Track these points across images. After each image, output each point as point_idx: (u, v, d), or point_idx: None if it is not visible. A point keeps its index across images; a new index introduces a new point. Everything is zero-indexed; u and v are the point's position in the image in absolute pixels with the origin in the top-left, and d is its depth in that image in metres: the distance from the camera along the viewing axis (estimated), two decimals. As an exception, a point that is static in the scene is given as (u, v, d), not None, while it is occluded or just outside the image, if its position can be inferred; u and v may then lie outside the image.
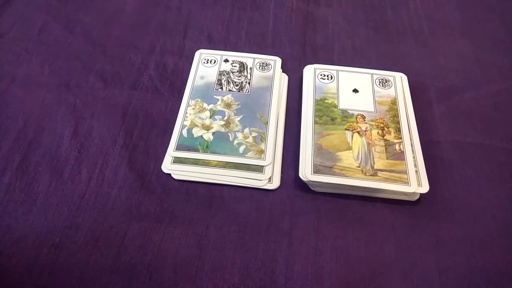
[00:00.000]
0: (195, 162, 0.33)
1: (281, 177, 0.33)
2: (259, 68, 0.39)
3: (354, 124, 0.35)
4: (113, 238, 0.29)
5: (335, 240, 0.30)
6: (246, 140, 0.34)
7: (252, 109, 0.36)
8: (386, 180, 0.32)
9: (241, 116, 0.36)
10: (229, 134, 0.35)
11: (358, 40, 0.43)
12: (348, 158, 0.33)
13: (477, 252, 0.30)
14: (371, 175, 0.32)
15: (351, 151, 0.34)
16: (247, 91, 0.37)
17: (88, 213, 0.30)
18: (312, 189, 0.32)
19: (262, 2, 0.46)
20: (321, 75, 0.39)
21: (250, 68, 0.39)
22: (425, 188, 0.32)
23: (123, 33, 0.42)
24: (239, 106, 0.36)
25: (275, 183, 0.32)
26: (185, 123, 0.35)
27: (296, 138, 0.35)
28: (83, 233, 0.29)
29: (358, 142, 0.34)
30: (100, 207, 0.31)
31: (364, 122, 0.35)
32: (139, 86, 0.37)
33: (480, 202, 0.32)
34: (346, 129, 0.35)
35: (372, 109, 0.36)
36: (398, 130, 0.35)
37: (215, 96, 0.37)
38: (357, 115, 0.36)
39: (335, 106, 0.36)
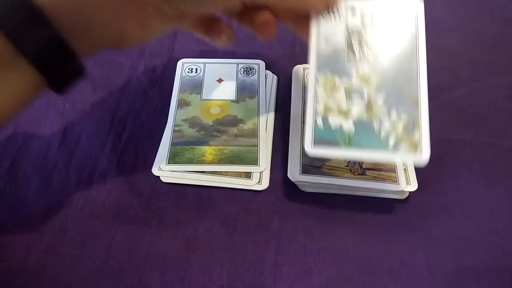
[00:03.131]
0: (189, 161, 0.33)
1: (270, 177, 0.33)
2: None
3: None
4: (102, 242, 0.29)
5: (324, 240, 0.30)
6: (396, 131, 0.26)
7: (396, 83, 0.27)
8: (375, 179, 0.32)
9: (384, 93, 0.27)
10: (372, 120, 0.27)
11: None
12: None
13: (466, 249, 0.30)
14: (359, 174, 0.32)
15: (340, 150, 0.33)
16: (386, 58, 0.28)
17: (76, 217, 0.30)
18: (301, 189, 0.32)
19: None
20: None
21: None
22: (413, 186, 0.31)
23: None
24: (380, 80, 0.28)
25: (264, 184, 0.32)
26: (318, 108, 0.27)
27: (284, 138, 0.35)
28: (71, 237, 0.30)
29: (347, 142, 0.34)
30: (88, 211, 0.31)
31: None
32: (128, 90, 0.37)
33: (470, 200, 0.32)
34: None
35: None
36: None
37: (345, 68, 0.28)
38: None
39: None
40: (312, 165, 0.32)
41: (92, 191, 0.32)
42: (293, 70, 0.39)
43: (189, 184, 0.32)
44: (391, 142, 0.26)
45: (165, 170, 0.33)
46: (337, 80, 0.28)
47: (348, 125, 0.27)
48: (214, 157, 0.33)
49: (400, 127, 0.27)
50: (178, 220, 0.31)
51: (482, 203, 0.32)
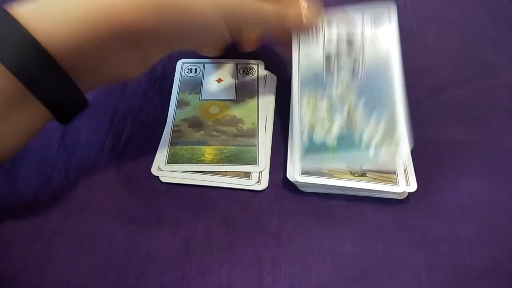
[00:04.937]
0: (189, 161, 0.33)
1: (269, 177, 0.33)
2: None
3: (343, 124, 0.35)
4: (101, 241, 0.29)
5: (323, 240, 0.30)
6: (376, 138, 0.29)
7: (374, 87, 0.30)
8: (375, 180, 0.32)
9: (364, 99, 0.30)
10: (354, 134, 0.29)
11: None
12: (336, 159, 0.33)
13: (465, 249, 0.30)
14: (359, 176, 0.32)
15: (340, 151, 0.33)
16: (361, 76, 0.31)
17: (76, 217, 0.30)
18: (300, 189, 0.32)
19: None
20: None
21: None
22: (413, 187, 0.31)
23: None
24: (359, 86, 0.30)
25: (263, 184, 0.32)
26: (302, 126, 0.30)
27: (284, 138, 0.35)
28: (71, 237, 0.30)
29: (347, 142, 0.34)
30: (87, 210, 0.31)
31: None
32: (127, 90, 0.37)
33: (469, 199, 0.32)
34: (335, 130, 0.35)
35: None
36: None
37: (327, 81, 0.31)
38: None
39: (325, 107, 0.36)
40: (312, 166, 0.32)
41: (92, 191, 0.32)
42: (292, 70, 0.39)
43: (188, 184, 0.32)
44: (371, 151, 0.30)
45: (164, 170, 0.33)
46: (319, 97, 0.31)
47: (330, 139, 0.30)
48: (213, 157, 0.33)
49: (380, 131, 0.30)
50: (177, 220, 0.31)
51: (482, 203, 0.32)
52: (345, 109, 0.31)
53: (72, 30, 0.24)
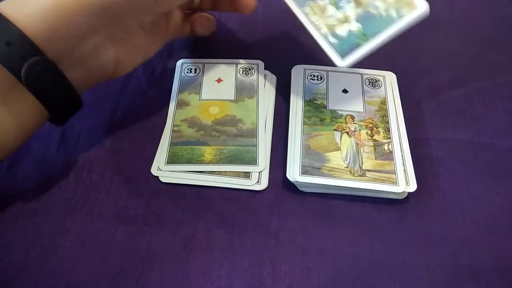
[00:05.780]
0: (188, 161, 0.33)
1: (269, 177, 0.33)
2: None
3: (343, 124, 0.35)
4: (101, 241, 0.29)
5: (323, 240, 0.30)
6: (389, 1, 0.30)
7: None
8: (375, 180, 0.32)
9: None
10: (368, 9, 0.30)
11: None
12: (336, 159, 0.33)
13: (465, 249, 0.30)
14: (359, 176, 0.32)
15: (339, 151, 0.34)
16: None
17: (75, 217, 0.30)
18: (300, 189, 0.32)
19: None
20: (310, 75, 0.39)
21: None
22: (413, 187, 0.31)
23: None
24: None
25: (263, 184, 0.32)
26: (322, 31, 0.31)
27: (283, 138, 0.35)
28: (70, 237, 0.30)
29: (347, 143, 0.34)
30: (87, 211, 0.31)
31: (353, 122, 0.35)
32: (127, 90, 0.37)
33: (469, 200, 0.32)
34: (335, 130, 0.35)
35: (362, 109, 0.36)
36: (387, 130, 0.35)
37: None
38: (346, 116, 0.36)
39: (324, 107, 0.36)
40: (312, 166, 0.32)
41: (91, 191, 0.32)
42: (292, 70, 0.39)
43: (188, 184, 0.32)
44: (393, 13, 0.30)
45: (164, 170, 0.33)
46: (319, 2, 0.32)
47: (354, 26, 0.31)
48: (213, 157, 0.33)
49: None
50: (177, 220, 0.31)
51: (482, 203, 0.32)
52: None
53: (46, 14, 0.25)
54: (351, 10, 0.31)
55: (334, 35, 0.31)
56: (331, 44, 0.31)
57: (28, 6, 0.25)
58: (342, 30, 0.31)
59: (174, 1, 0.31)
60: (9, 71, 0.25)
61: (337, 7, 0.31)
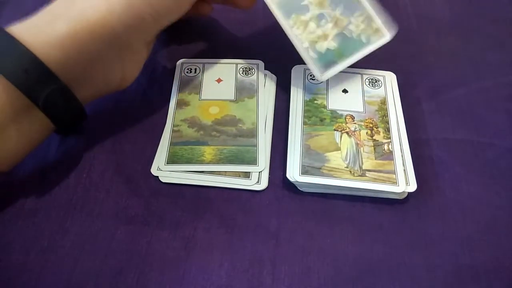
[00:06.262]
0: (188, 161, 0.33)
1: (269, 178, 0.33)
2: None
3: (343, 124, 0.35)
4: (101, 241, 0.29)
5: (323, 240, 0.30)
6: (361, 28, 0.34)
7: None
8: (374, 180, 0.32)
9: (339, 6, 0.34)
10: (343, 32, 0.34)
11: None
12: (336, 159, 0.33)
13: (465, 249, 0.30)
14: (359, 176, 0.32)
15: (339, 151, 0.34)
16: None
17: (75, 217, 0.30)
18: (300, 189, 0.32)
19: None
20: (310, 75, 0.39)
21: None
22: (413, 187, 0.31)
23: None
24: None
25: (263, 184, 0.32)
26: (304, 45, 0.33)
27: (283, 138, 0.35)
28: (70, 237, 0.30)
29: (346, 143, 0.34)
30: (87, 211, 0.31)
31: (353, 122, 0.35)
32: (127, 90, 0.36)
33: (469, 200, 0.32)
34: (335, 130, 0.35)
35: (362, 109, 0.36)
36: (387, 130, 0.35)
37: (302, 3, 0.34)
38: (346, 116, 0.36)
39: (324, 107, 0.36)
40: (312, 166, 0.32)
41: (91, 191, 0.32)
42: (292, 70, 0.39)
43: (188, 184, 0.32)
44: (364, 39, 0.34)
45: (164, 170, 0.33)
46: (302, 17, 0.34)
47: (331, 45, 0.34)
48: (213, 157, 0.33)
49: (361, 25, 0.34)
50: (177, 220, 0.31)
51: (482, 203, 0.32)
52: (326, 13, 0.34)
53: (61, 42, 0.27)
54: (329, 30, 0.34)
55: (315, 50, 0.34)
56: (311, 58, 0.34)
57: (44, 33, 0.27)
58: (321, 47, 0.34)
59: (176, 13, 0.32)
60: (27, 97, 0.26)
61: (318, 24, 0.34)
